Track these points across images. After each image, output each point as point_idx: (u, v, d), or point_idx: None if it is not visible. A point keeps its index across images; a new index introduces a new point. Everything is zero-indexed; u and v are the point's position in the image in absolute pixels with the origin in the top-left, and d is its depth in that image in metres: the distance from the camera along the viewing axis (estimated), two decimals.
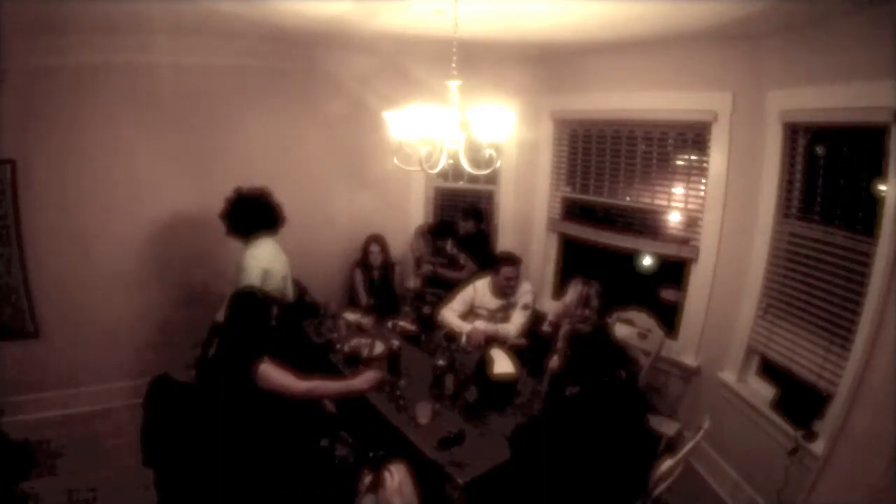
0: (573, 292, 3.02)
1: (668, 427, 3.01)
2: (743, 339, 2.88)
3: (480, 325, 3.32)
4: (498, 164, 2.21)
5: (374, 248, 3.99)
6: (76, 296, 3.41)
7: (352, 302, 4.06)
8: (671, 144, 3.38)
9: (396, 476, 2.00)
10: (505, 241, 4.38)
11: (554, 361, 2.60)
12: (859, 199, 2.31)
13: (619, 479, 1.93)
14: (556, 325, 3.01)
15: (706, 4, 2.27)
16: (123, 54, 3.19)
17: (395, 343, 2.94)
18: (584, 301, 2.99)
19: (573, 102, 3.81)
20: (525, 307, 3.36)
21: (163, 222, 3.57)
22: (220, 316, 2.85)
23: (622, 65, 3.40)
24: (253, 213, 2.93)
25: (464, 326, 3.31)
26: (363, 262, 4.06)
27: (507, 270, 3.29)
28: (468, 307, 3.45)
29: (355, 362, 2.90)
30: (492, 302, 3.40)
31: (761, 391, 2.80)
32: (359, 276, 4.04)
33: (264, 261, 2.90)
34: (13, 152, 3.10)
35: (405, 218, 4.62)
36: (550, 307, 4.02)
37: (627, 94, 3.42)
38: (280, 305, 2.53)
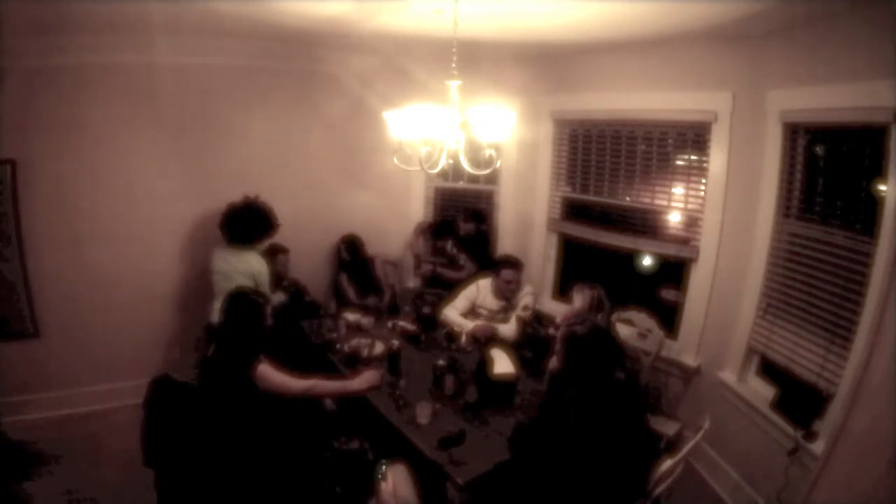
0: (581, 298, 3.03)
1: (668, 427, 3.01)
2: (743, 339, 2.88)
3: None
4: (498, 164, 2.21)
5: (342, 246, 4.07)
6: (76, 296, 3.41)
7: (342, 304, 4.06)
8: (671, 144, 3.38)
9: (390, 479, 2.00)
10: (505, 240, 4.38)
11: (553, 362, 2.60)
12: (859, 199, 2.31)
13: (619, 480, 1.93)
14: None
15: (706, 4, 2.27)
16: (123, 54, 3.19)
17: (395, 343, 2.94)
18: (596, 304, 3.00)
19: (573, 102, 3.81)
20: (525, 308, 3.36)
21: (162, 221, 3.57)
22: (214, 317, 2.86)
23: (622, 65, 3.40)
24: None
25: (466, 324, 3.31)
26: (339, 264, 4.14)
27: (507, 273, 3.30)
28: (471, 305, 3.46)
29: (355, 362, 2.90)
30: (493, 303, 3.40)
31: (761, 391, 2.80)
32: (343, 278, 4.06)
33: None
34: (13, 152, 3.10)
35: (405, 218, 4.62)
36: (551, 307, 4.03)
37: (627, 94, 3.42)
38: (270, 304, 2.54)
